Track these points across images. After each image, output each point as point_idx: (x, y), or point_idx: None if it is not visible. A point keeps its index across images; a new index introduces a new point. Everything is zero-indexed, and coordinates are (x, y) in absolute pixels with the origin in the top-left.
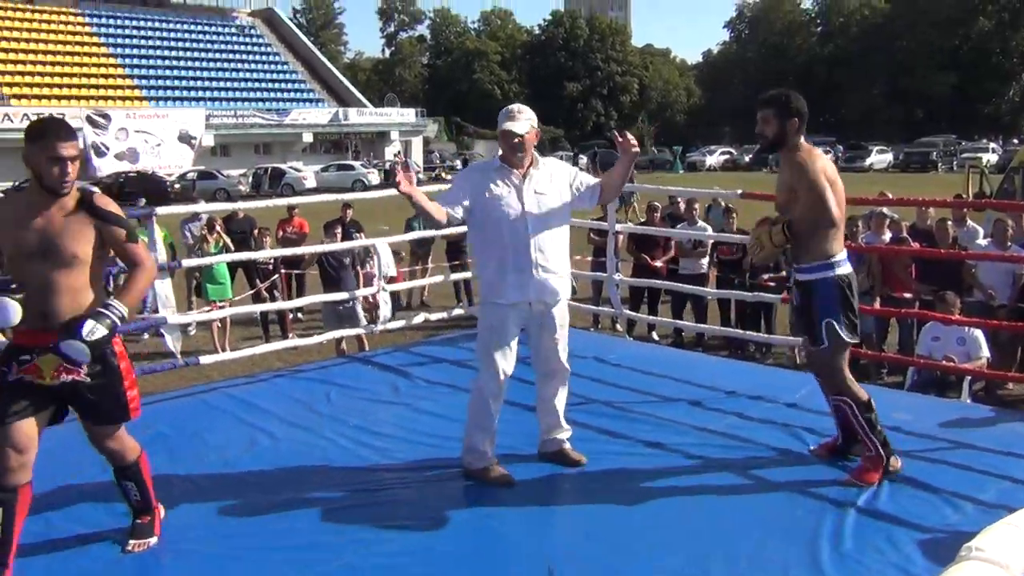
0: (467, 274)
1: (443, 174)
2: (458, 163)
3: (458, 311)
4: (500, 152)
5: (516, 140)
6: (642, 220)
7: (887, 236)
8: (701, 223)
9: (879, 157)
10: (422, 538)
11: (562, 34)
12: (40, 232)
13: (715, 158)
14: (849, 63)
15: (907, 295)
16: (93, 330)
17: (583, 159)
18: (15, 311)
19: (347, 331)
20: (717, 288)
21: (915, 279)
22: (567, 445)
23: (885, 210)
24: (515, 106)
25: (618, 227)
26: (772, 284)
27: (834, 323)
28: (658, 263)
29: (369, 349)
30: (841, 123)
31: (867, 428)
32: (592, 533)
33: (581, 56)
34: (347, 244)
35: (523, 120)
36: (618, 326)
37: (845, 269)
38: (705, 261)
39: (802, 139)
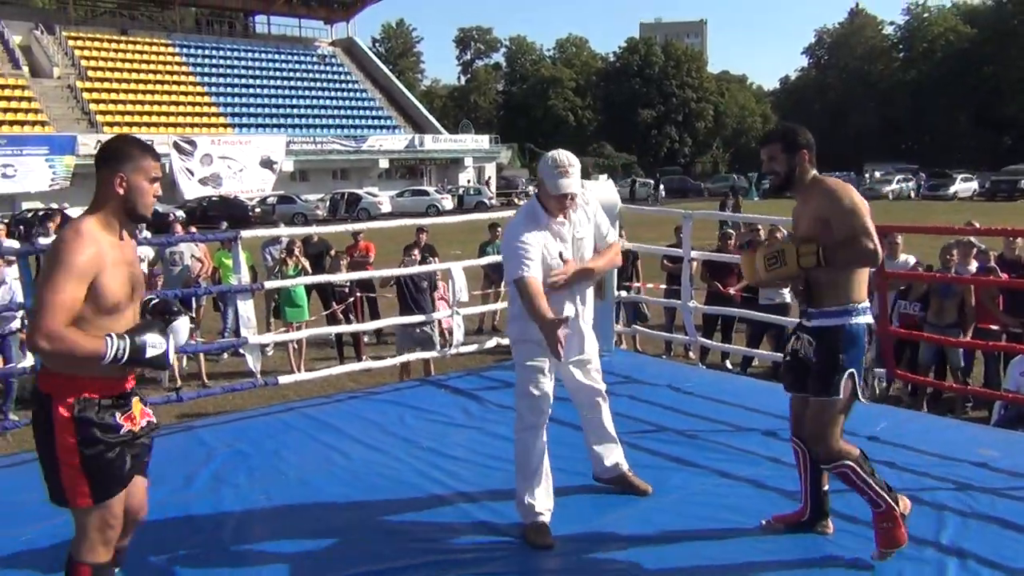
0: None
1: (516, 200)
2: (531, 189)
3: None
4: (540, 198)
5: (570, 199)
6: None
7: (974, 266)
8: None
9: (963, 185)
10: (492, 562)
11: (637, 61)
12: (131, 268)
13: None
14: (933, 89)
15: (994, 327)
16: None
17: (649, 183)
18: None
19: (420, 354)
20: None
21: (1003, 311)
22: (628, 471)
23: (972, 239)
24: (564, 157)
25: (693, 254)
26: None
27: (856, 376)
28: (732, 290)
29: (439, 373)
30: (924, 150)
31: (873, 485)
32: (661, 566)
33: (656, 83)
34: (425, 268)
35: (575, 176)
36: (691, 353)
37: (870, 318)
38: (787, 291)
39: (815, 172)
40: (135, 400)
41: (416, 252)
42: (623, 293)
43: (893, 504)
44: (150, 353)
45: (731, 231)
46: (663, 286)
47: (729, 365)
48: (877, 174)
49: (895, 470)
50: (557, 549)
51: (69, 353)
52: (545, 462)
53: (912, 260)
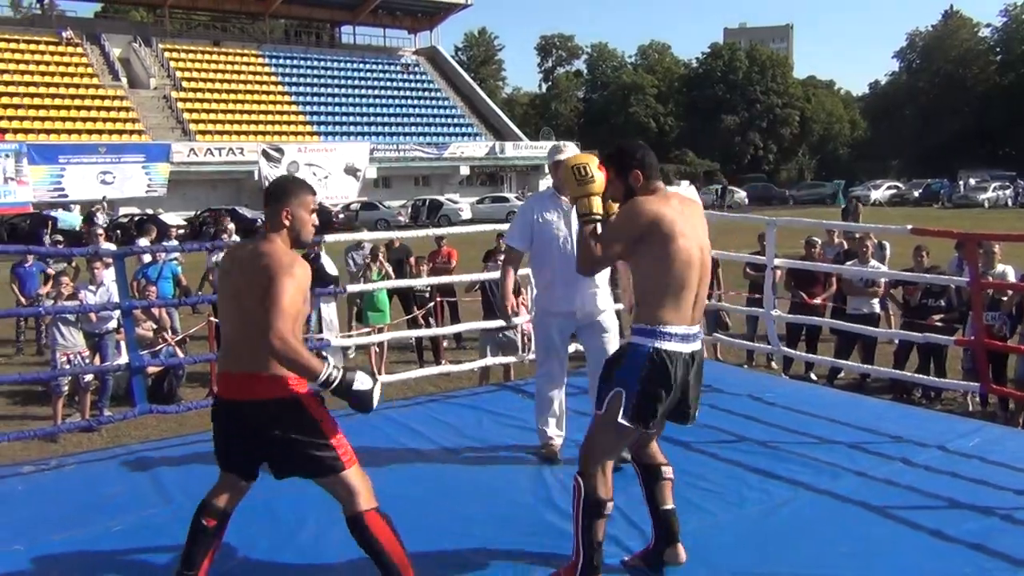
0: (619, 305)
1: None
2: None
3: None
4: (552, 182)
5: None
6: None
7: None
8: (874, 262)
9: None
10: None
11: (721, 66)
12: None
13: (880, 193)
14: None
15: None
16: None
17: (741, 193)
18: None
19: (502, 359)
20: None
21: None
22: None
23: None
24: (561, 142)
25: (777, 261)
26: (941, 324)
27: (623, 396)
28: (818, 300)
29: (518, 378)
30: (1022, 157)
31: (589, 530)
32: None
33: (740, 88)
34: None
35: (569, 152)
36: (773, 364)
37: (675, 345)
38: (876, 302)
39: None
40: None
41: (498, 258)
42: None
43: (588, 564)
44: (357, 387)
45: (816, 239)
46: (745, 294)
47: (813, 376)
48: (972, 181)
49: (987, 487)
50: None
51: (294, 359)
52: (557, 401)
53: (1011, 270)
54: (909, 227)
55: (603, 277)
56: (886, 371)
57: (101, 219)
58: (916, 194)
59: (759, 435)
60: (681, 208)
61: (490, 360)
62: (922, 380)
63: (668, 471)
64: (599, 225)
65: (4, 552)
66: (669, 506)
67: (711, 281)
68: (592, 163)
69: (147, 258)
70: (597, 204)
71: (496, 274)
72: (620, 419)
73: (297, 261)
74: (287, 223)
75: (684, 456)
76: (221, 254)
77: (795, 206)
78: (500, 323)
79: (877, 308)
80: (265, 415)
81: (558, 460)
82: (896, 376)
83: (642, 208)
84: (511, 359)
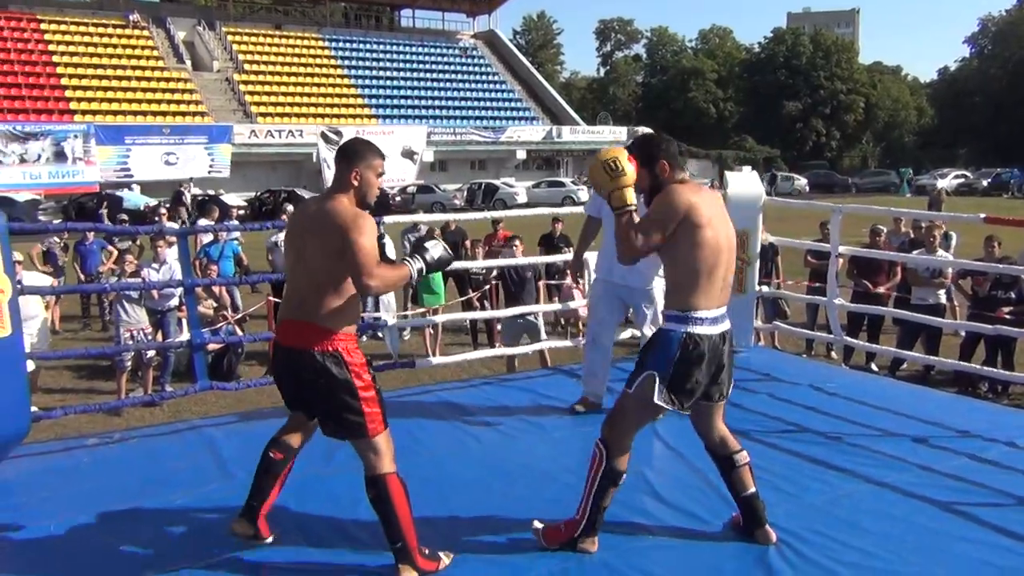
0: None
1: None
2: None
3: None
4: None
5: None
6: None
7: None
8: (941, 251)
9: None
10: (618, 544)
11: (784, 51)
12: None
13: (947, 181)
14: None
15: None
16: None
17: (801, 180)
18: None
19: (531, 346)
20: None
21: None
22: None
23: None
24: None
25: (842, 249)
26: (1010, 316)
27: (656, 379)
28: (881, 289)
29: (575, 363)
30: None
31: (598, 492)
32: (800, 569)
33: (803, 74)
34: (551, 258)
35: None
36: (833, 353)
37: (706, 328)
38: (943, 292)
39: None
40: None
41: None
42: (763, 288)
43: (590, 525)
44: (433, 254)
45: (881, 228)
46: (804, 282)
47: (875, 367)
48: None
49: None
50: (700, 540)
51: (391, 283)
52: (593, 362)
53: None
54: (982, 215)
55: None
56: (952, 363)
57: (187, 198)
58: (984, 183)
59: (820, 426)
60: (709, 197)
61: (546, 344)
62: (990, 373)
63: (742, 457)
64: (634, 215)
65: (71, 523)
66: (751, 491)
67: (770, 269)
68: (622, 156)
69: (209, 237)
70: (631, 196)
71: (509, 260)
72: (656, 399)
73: (363, 214)
74: (355, 183)
75: (744, 445)
76: (281, 235)
77: (858, 194)
78: (526, 308)
79: (943, 299)
80: (311, 364)
81: (580, 411)
82: (962, 368)
83: (678, 197)
84: (540, 345)
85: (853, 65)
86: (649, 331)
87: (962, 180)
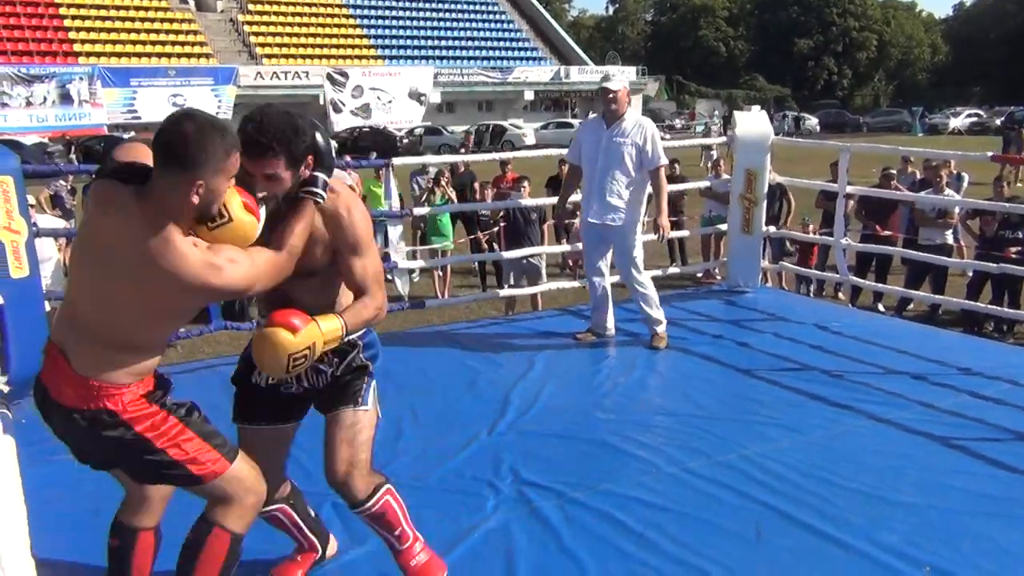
0: (684, 232)
1: (664, 134)
2: (677, 123)
3: (673, 270)
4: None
5: (610, 95)
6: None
7: None
8: (949, 191)
9: None
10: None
11: None
12: None
13: (960, 120)
14: None
15: None
16: None
17: (812, 119)
18: None
19: (529, 289)
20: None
21: None
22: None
23: None
24: (607, 71)
25: (849, 189)
26: (1017, 256)
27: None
28: (888, 233)
29: (583, 303)
30: None
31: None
32: (801, 501)
33: (815, 11)
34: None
35: (617, 80)
36: (841, 294)
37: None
38: (950, 233)
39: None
40: None
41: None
42: (771, 228)
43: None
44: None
45: (893, 171)
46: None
47: (882, 308)
48: None
49: None
50: (719, 478)
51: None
52: (597, 297)
53: None
54: (989, 154)
55: (624, 192)
56: (958, 302)
57: None
58: (998, 122)
59: (824, 364)
60: None
61: (551, 285)
62: (995, 311)
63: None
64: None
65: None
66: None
67: (777, 209)
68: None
69: None
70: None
71: (518, 202)
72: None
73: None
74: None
75: (745, 382)
76: None
77: (869, 133)
78: (527, 251)
79: (950, 239)
80: None
81: (580, 339)
82: (968, 307)
83: None
84: (537, 288)
85: (867, 1)
86: (626, 270)
87: (975, 119)
